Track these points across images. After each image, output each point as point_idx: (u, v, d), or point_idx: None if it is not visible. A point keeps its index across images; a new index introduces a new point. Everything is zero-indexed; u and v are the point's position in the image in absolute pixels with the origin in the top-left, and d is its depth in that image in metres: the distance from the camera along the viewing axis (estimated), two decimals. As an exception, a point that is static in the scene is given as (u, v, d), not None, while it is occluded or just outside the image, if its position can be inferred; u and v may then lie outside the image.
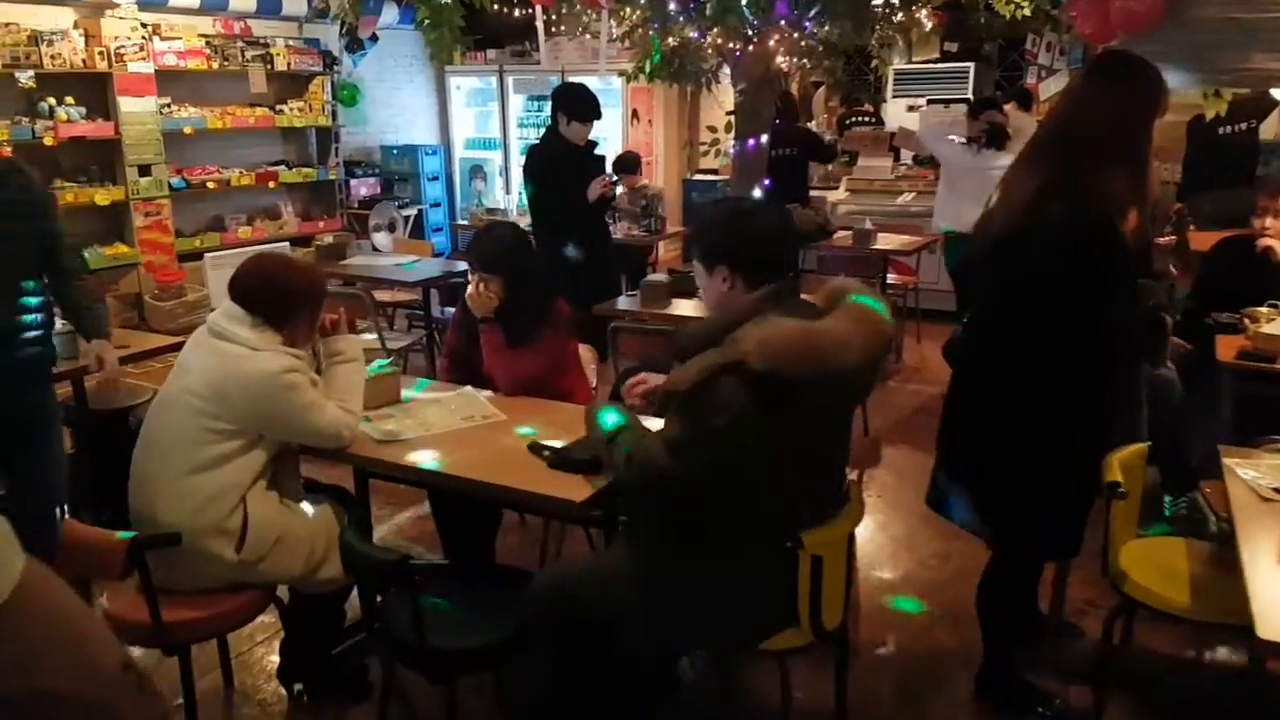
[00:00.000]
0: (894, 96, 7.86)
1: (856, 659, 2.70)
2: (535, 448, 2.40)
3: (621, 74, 5.99)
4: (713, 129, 6.19)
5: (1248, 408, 3.19)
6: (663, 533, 2.11)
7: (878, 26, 5.00)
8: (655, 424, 2.16)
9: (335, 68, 7.89)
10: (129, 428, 3.35)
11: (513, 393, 2.88)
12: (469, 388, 2.94)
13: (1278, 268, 3.59)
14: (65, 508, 2.86)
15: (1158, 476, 3.33)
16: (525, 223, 5.36)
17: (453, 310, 3.74)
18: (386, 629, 2.23)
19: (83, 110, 6.21)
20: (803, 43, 4.74)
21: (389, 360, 3.20)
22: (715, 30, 4.57)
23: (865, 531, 3.56)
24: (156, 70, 6.50)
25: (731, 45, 4.64)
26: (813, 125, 7.93)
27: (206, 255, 5.38)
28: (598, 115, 4.90)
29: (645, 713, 2.26)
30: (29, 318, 2.71)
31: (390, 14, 7.52)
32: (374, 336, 4.89)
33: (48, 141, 5.98)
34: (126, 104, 6.34)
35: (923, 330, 6.27)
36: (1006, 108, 5.62)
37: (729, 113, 5.14)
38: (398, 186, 8.71)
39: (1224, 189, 5.42)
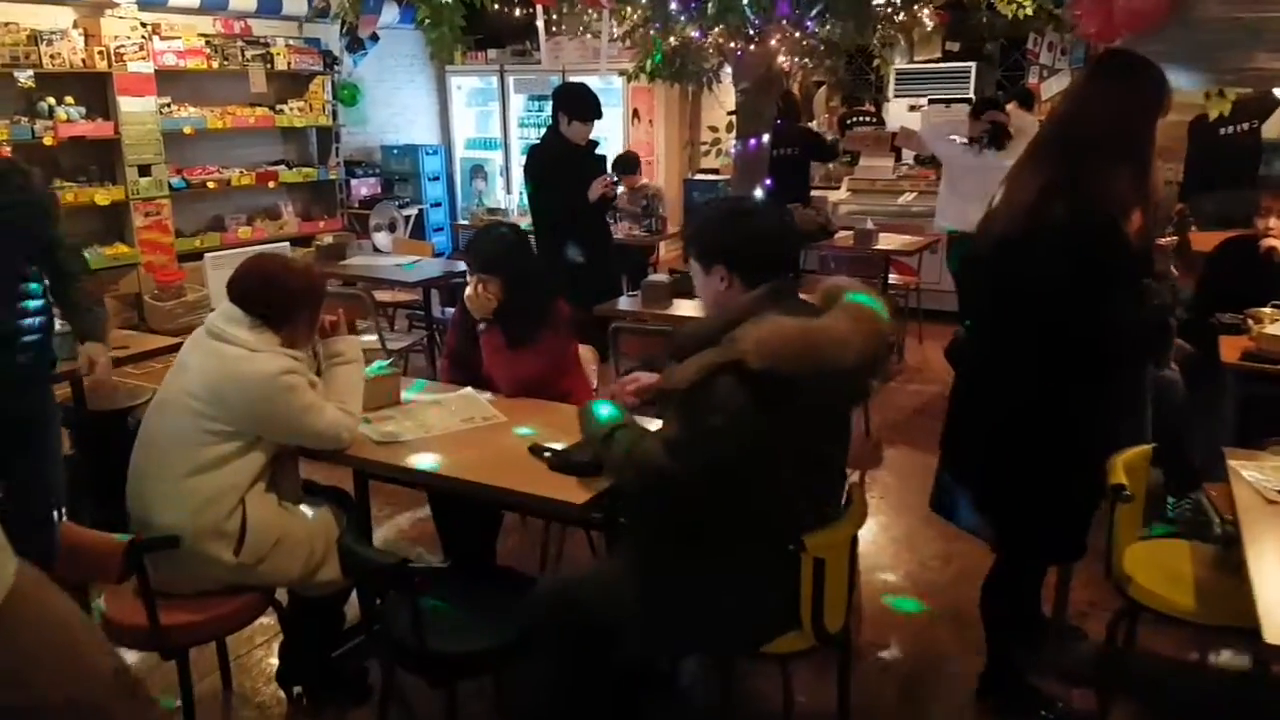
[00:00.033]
0: (895, 96, 7.85)
1: (859, 662, 2.69)
2: (536, 449, 2.39)
3: (622, 73, 5.97)
4: (714, 129, 6.17)
5: (1251, 409, 3.18)
6: (662, 533, 2.10)
7: (879, 26, 4.98)
8: (653, 424, 2.15)
9: (336, 67, 7.88)
10: (128, 428, 3.34)
11: (513, 394, 2.86)
12: (469, 389, 2.92)
13: (1281, 268, 3.58)
14: (63, 510, 2.84)
15: (1160, 477, 3.32)
16: (526, 223, 5.35)
17: (453, 310, 3.73)
18: (386, 632, 2.21)
19: (82, 110, 6.21)
20: (804, 42, 4.73)
21: (388, 361, 3.19)
22: (716, 29, 4.55)
23: (867, 532, 3.54)
24: (156, 70, 6.49)
25: (733, 45, 4.63)
26: (814, 125, 7.92)
27: (206, 255, 5.38)
28: (599, 115, 4.89)
29: (647, 718, 2.25)
30: (29, 320, 2.70)
31: (390, 13, 7.51)
32: (374, 337, 4.89)
33: (47, 141, 5.98)
34: (126, 104, 6.33)
35: (924, 330, 6.26)
36: (1008, 107, 5.61)
37: (730, 112, 5.12)
38: (398, 186, 8.70)
39: (1226, 190, 5.41)
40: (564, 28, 7.23)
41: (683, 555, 2.05)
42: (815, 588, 2.06)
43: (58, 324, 2.91)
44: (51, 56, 5.94)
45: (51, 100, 6.05)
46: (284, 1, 7.23)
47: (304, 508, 2.50)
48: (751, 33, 4.54)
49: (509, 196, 8.50)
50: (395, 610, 2.16)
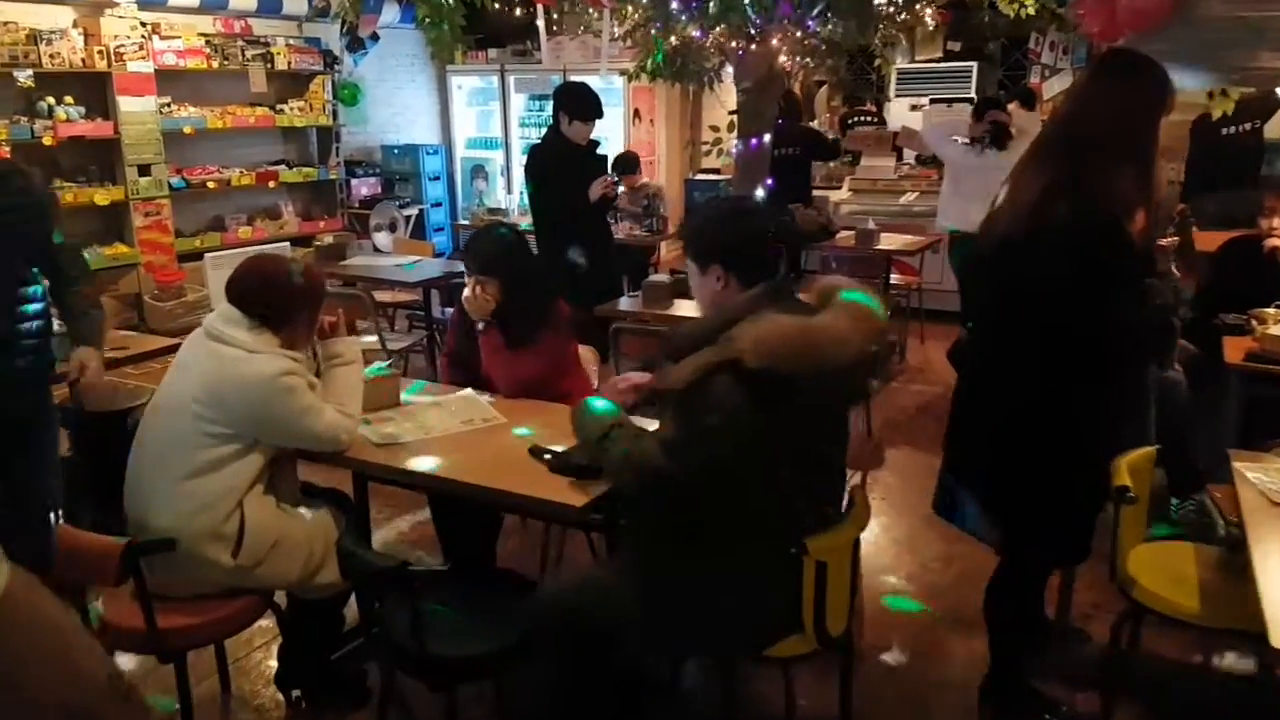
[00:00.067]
0: (897, 96, 7.84)
1: (861, 665, 2.68)
2: (536, 451, 2.38)
3: (623, 73, 5.97)
4: (715, 128, 6.17)
5: (1255, 410, 3.17)
6: (661, 533, 2.09)
7: (881, 25, 4.97)
8: (650, 425, 2.14)
9: (336, 67, 7.87)
10: (127, 429, 3.32)
11: (513, 394, 2.85)
12: (469, 390, 2.91)
13: (1285, 268, 3.57)
14: (60, 512, 2.83)
15: (1164, 479, 3.31)
16: (526, 222, 5.34)
17: (453, 310, 3.72)
18: (385, 635, 2.20)
19: (82, 110, 6.19)
20: (805, 42, 4.72)
21: (388, 363, 3.18)
22: (718, 29, 4.55)
23: (868, 534, 3.53)
24: (156, 69, 6.47)
25: (734, 44, 4.62)
26: (815, 125, 7.91)
27: (206, 255, 5.35)
28: (599, 114, 4.88)
29: (648, 721, 2.24)
30: (28, 324, 2.68)
31: (391, 13, 7.50)
32: (374, 338, 4.88)
33: (47, 141, 5.96)
34: (126, 103, 6.31)
35: (926, 330, 6.25)
36: (1010, 107, 5.60)
37: (731, 112, 5.12)
38: (399, 186, 8.68)
39: (1228, 190, 5.40)
40: (565, 27, 7.23)
41: (682, 556, 2.04)
42: (817, 591, 2.04)
43: (56, 325, 2.89)
44: (51, 56, 5.92)
45: (51, 100, 6.03)
46: (284, 1, 7.21)
47: (302, 510, 2.49)
48: (753, 32, 4.53)
49: (510, 196, 8.49)
50: (395, 613, 2.15)
